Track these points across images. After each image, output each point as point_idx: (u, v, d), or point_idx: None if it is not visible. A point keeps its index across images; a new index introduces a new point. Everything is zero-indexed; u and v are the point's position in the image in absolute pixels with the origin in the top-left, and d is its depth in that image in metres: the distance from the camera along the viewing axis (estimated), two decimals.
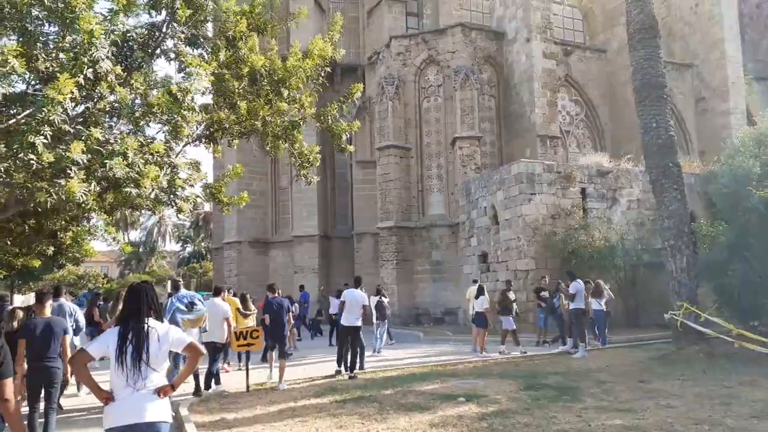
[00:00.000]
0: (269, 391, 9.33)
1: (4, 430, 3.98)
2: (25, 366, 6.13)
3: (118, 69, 4.71)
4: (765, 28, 31.56)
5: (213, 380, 9.63)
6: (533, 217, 18.41)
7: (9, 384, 3.72)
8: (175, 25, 5.72)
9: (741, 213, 10.85)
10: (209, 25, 6.62)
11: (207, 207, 46.26)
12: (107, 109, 4.87)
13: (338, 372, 10.57)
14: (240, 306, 12.08)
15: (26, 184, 4.22)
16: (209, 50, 6.23)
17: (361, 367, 11.01)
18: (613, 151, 25.02)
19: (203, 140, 6.48)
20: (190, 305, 9.16)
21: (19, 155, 3.94)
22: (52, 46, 4.49)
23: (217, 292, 10.50)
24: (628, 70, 27.90)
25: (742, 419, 6.54)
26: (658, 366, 10.28)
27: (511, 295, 13.86)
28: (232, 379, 10.27)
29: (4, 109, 4.99)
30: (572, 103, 28.51)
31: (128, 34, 5.41)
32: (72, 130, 4.34)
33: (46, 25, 4.77)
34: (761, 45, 31.67)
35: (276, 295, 11.09)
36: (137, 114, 4.93)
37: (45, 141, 3.88)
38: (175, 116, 5.07)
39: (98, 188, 4.49)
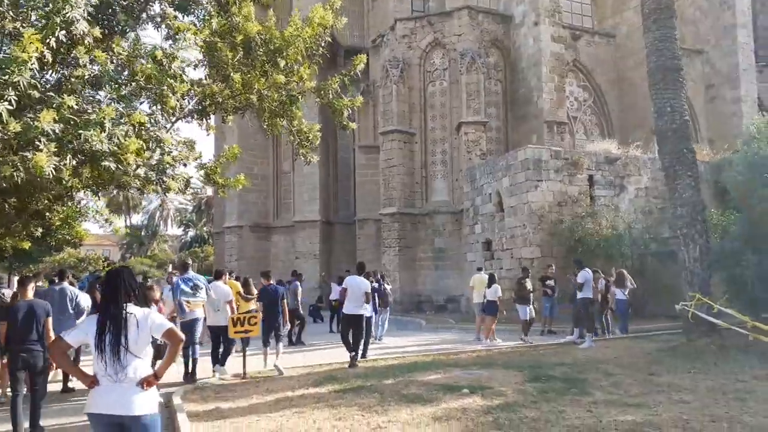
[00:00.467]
0: (266, 379, 9.06)
1: None
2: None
3: (97, 31, 4.32)
4: None
5: (219, 362, 9.50)
6: (539, 205, 18.06)
7: None
8: None
9: (756, 201, 10.47)
10: None
11: (209, 191, 46.00)
12: (86, 76, 4.50)
13: (353, 358, 9.95)
14: (241, 290, 11.83)
15: None
16: (200, 17, 5.84)
17: (363, 356, 10.74)
18: (621, 138, 24.55)
19: (195, 116, 6.11)
20: (195, 288, 9.21)
21: None
22: (23, 3, 4.12)
23: (218, 276, 10.32)
24: (637, 55, 27.59)
25: (761, 416, 6.21)
26: (667, 358, 9.95)
27: (528, 284, 13.50)
28: (229, 365, 9.98)
29: None
30: (580, 89, 28.01)
31: None
32: (43, 97, 3.99)
33: None
34: None
35: (270, 282, 10.82)
36: (119, 83, 4.56)
37: (10, 107, 3.54)
38: (162, 86, 4.70)
39: (74, 162, 4.14)
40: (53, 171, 3.75)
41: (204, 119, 6.14)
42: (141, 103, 4.84)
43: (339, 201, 29.87)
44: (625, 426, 5.97)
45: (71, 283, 9.25)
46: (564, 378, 8.40)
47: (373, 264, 22.89)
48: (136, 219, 65.76)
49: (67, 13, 3.84)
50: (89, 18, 4.20)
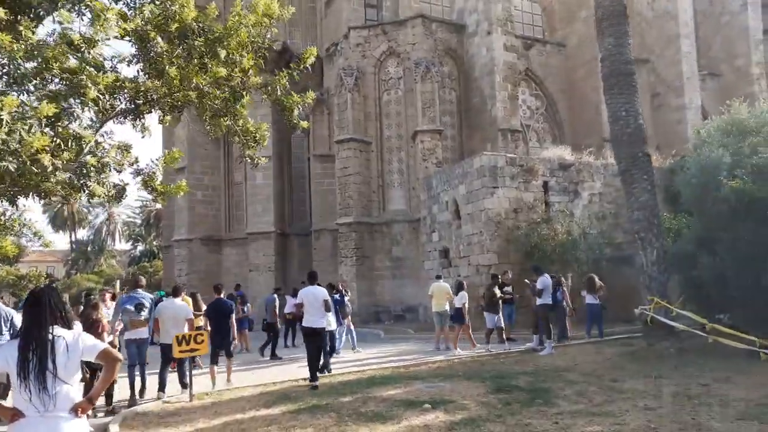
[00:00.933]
0: (215, 403, 8.45)
1: None
2: None
3: (0, 12, 3.76)
4: (718, 25, 32.12)
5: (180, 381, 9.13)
6: (496, 211, 17.99)
7: None
8: None
9: (710, 204, 10.54)
10: None
11: (159, 204, 44.50)
12: None
13: (314, 388, 8.91)
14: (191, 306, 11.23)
15: None
16: (132, 5, 5.28)
17: (321, 371, 10.21)
18: (573, 145, 24.88)
19: (129, 116, 5.54)
20: (139, 307, 8.87)
21: None
22: None
23: (176, 293, 9.77)
24: (587, 65, 28.17)
25: (728, 421, 6.08)
26: (628, 363, 9.87)
27: (498, 292, 13.28)
28: (173, 386, 9.33)
29: None
30: (532, 98, 28.36)
31: None
32: None
33: None
34: (715, 41, 32.23)
35: (222, 296, 10.25)
36: (25, 73, 3.97)
37: None
38: (79, 75, 4.15)
39: None
40: None
41: (138, 119, 5.57)
42: (57, 98, 4.24)
43: (294, 212, 29.20)
44: None
45: (6, 303, 8.50)
46: (528, 388, 8.15)
47: (331, 275, 22.36)
48: (82, 234, 63.18)
49: None
50: None
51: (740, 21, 31.26)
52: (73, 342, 3.14)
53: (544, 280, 12.45)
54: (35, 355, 3.03)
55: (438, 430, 6.23)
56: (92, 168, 4.62)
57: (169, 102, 5.59)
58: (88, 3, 4.38)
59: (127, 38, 5.19)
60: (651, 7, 29.69)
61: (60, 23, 4.42)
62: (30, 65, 4.14)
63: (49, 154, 3.88)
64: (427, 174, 22.42)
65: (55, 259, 67.61)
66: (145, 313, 8.95)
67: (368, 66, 25.18)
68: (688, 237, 12.13)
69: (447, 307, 13.85)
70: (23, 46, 3.87)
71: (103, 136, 5.52)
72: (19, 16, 4.17)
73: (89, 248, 62.01)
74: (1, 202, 4.88)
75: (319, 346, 9.47)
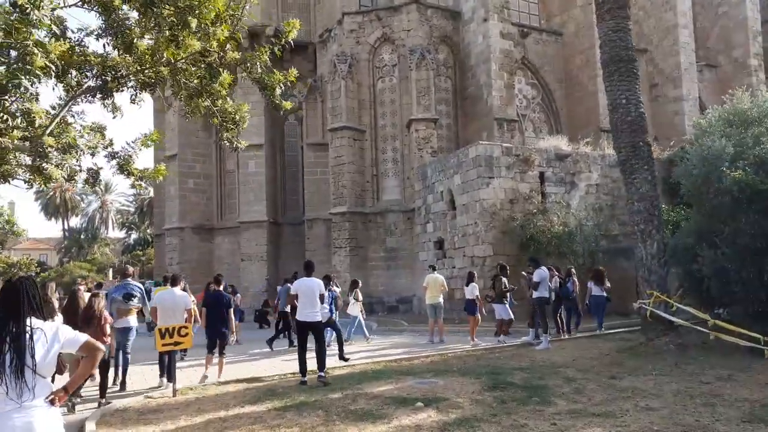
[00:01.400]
0: (198, 398, 8.13)
1: None
2: None
3: None
4: (716, 16, 31.75)
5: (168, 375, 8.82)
6: (491, 202, 17.68)
7: None
8: None
9: (711, 196, 10.24)
10: None
11: (152, 192, 43.96)
12: None
13: (303, 383, 8.53)
14: None
15: None
16: None
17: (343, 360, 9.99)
18: (570, 135, 24.58)
19: (96, 93, 5.14)
20: (128, 297, 9.05)
21: None
22: None
23: (174, 282, 9.47)
24: (584, 54, 27.79)
25: (734, 424, 5.80)
26: (627, 359, 9.60)
27: (506, 282, 12.90)
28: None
29: None
30: (529, 87, 27.97)
31: None
32: None
33: None
34: (713, 32, 31.87)
35: (221, 288, 9.93)
36: None
37: None
38: (23, 39, 3.74)
39: None
40: None
41: (107, 97, 5.17)
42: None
43: (287, 201, 28.78)
44: None
45: None
46: (524, 385, 7.86)
47: (324, 266, 22.07)
48: (75, 221, 62.55)
49: None
50: None
51: (738, 12, 30.92)
52: (52, 335, 3.07)
53: (541, 273, 12.16)
54: (11, 348, 2.95)
55: (430, 431, 5.94)
56: (50, 149, 4.25)
57: (142, 79, 5.20)
58: None
59: (88, 6, 4.79)
60: None
61: None
62: None
63: None
64: (422, 163, 22.08)
65: (48, 246, 67.07)
66: (134, 302, 9.10)
67: (362, 53, 24.72)
68: (688, 229, 11.86)
69: (441, 300, 13.60)
70: None
71: (74, 116, 5.13)
72: None
73: (82, 236, 61.46)
74: None
75: (317, 341, 9.04)
